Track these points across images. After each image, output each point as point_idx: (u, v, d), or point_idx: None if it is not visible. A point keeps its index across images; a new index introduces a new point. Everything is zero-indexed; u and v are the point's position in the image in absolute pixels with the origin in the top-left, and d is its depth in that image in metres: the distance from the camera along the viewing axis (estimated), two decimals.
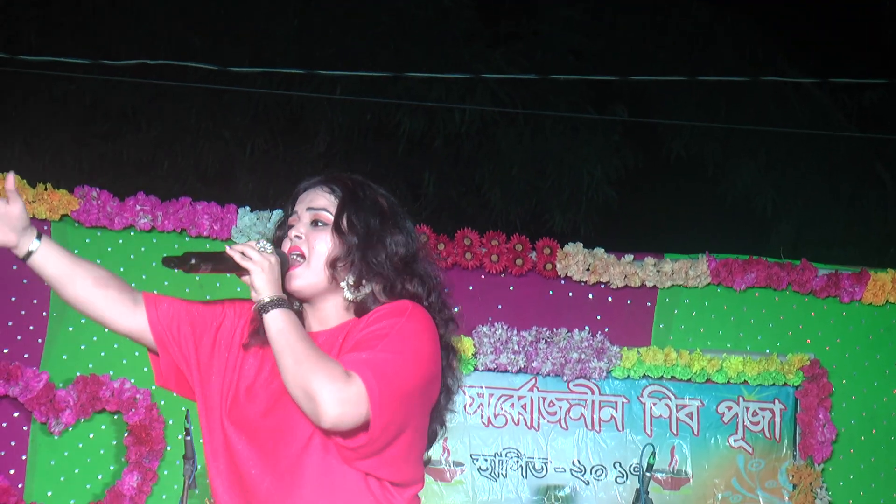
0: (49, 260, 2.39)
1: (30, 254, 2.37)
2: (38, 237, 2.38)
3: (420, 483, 2.41)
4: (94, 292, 2.46)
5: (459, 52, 9.84)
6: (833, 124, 10.50)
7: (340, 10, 9.75)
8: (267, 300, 2.25)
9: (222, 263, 2.32)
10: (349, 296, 2.37)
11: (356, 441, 2.21)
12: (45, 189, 5.49)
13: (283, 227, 2.45)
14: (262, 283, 2.26)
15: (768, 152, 10.54)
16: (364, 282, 2.36)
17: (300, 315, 2.39)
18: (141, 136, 9.81)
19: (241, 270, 2.29)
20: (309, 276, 2.36)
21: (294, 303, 2.37)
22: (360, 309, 2.36)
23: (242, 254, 2.28)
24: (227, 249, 2.31)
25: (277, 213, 5.72)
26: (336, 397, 2.14)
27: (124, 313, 2.49)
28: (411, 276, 2.39)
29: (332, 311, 2.39)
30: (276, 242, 2.43)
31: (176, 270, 2.31)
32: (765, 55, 10.43)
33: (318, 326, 2.40)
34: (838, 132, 10.32)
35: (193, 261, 2.30)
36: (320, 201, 2.41)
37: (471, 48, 9.94)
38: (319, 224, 2.39)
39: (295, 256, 2.37)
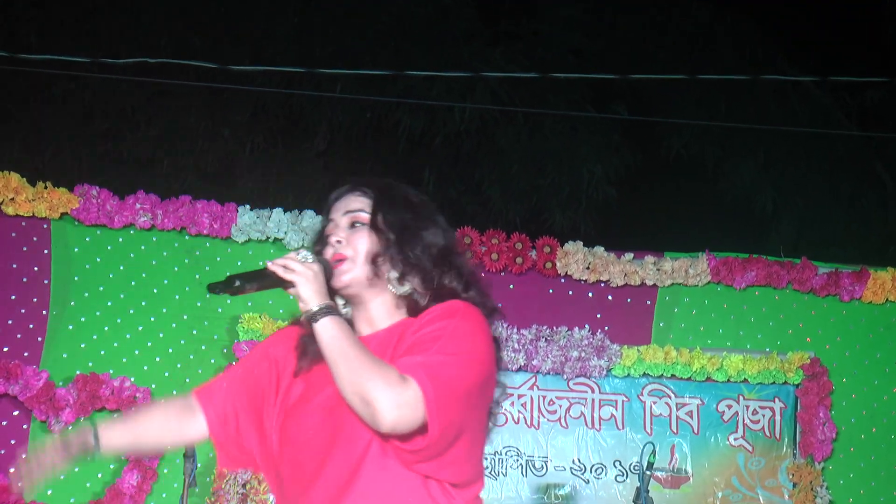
0: (112, 445, 2.50)
1: (95, 450, 2.47)
2: (95, 436, 2.49)
3: (480, 481, 2.39)
4: (160, 439, 2.54)
5: (459, 50, 9.84)
6: (833, 123, 10.50)
7: (340, 9, 9.75)
8: (315, 309, 2.27)
9: (266, 280, 2.33)
10: (395, 290, 2.38)
11: (415, 444, 2.21)
12: (45, 187, 5.48)
13: (321, 241, 2.46)
14: (309, 292, 2.28)
15: (768, 151, 10.54)
16: (406, 276, 2.38)
17: (350, 321, 2.41)
18: (141, 135, 9.80)
19: (285, 284, 2.30)
20: (354, 272, 2.38)
21: (343, 308, 2.40)
22: (411, 306, 2.39)
23: (285, 267, 2.30)
24: (269, 265, 2.32)
25: (277, 212, 5.72)
26: (393, 401, 2.15)
27: (193, 431, 2.51)
28: (448, 268, 2.40)
29: (380, 311, 2.41)
30: (318, 255, 2.43)
31: (220, 294, 2.31)
32: (765, 54, 10.43)
33: (369, 329, 2.41)
34: (838, 131, 10.32)
35: (238, 283, 2.31)
36: (355, 204, 2.44)
37: (471, 47, 9.94)
38: (357, 225, 2.41)
39: (340, 261, 2.39)
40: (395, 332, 2.36)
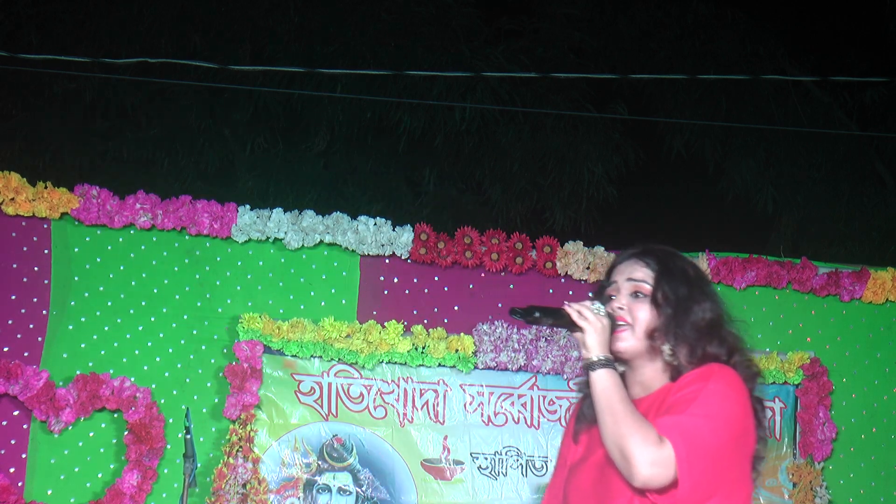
0: None
1: None
2: None
3: None
4: None
5: (460, 49, 9.85)
6: (833, 122, 10.51)
7: (340, 9, 9.75)
8: (595, 359, 2.50)
9: (560, 319, 2.55)
10: (669, 360, 2.57)
11: (668, 500, 2.42)
12: (45, 187, 5.48)
13: (602, 296, 2.66)
14: (594, 342, 2.50)
15: (768, 150, 10.55)
16: (675, 349, 2.57)
17: (623, 379, 2.60)
18: (141, 135, 9.82)
19: (574, 328, 2.52)
20: (632, 341, 2.59)
21: (618, 367, 2.59)
22: (674, 373, 2.58)
23: (579, 313, 2.52)
24: (566, 306, 2.54)
25: (277, 212, 5.72)
26: (648, 459, 2.37)
27: None
28: (712, 338, 2.59)
29: (651, 376, 2.62)
30: None
31: (519, 318, 2.53)
32: (765, 53, 10.43)
33: (641, 391, 2.61)
34: (838, 131, 10.32)
35: (537, 314, 2.54)
36: (638, 273, 2.64)
37: (471, 46, 9.94)
38: (639, 295, 2.61)
39: (620, 325, 2.60)
40: (660, 396, 2.56)
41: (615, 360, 2.57)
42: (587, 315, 2.51)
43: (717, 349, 2.58)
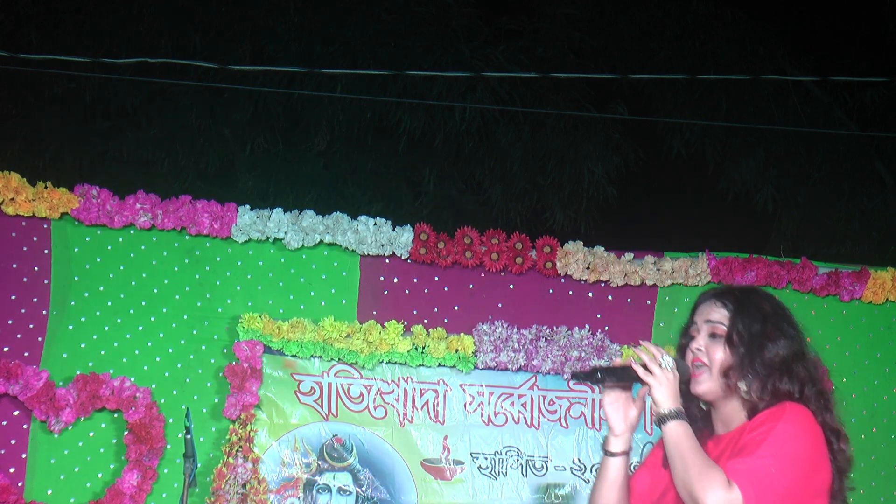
0: (619, 469, 2.83)
1: (615, 454, 2.83)
2: (629, 451, 2.84)
3: None
4: None
5: (460, 49, 9.85)
6: (833, 122, 10.51)
7: (341, 8, 9.75)
8: (665, 412, 2.62)
9: (626, 376, 2.67)
10: (745, 397, 2.67)
11: None
12: (45, 187, 5.48)
13: (686, 336, 2.83)
14: (663, 396, 2.63)
15: (768, 150, 10.55)
16: (749, 385, 2.67)
17: (708, 416, 2.77)
18: (141, 135, 9.82)
19: (642, 382, 2.66)
20: (710, 384, 2.72)
21: (702, 404, 2.76)
22: (750, 410, 2.70)
23: (646, 367, 2.65)
24: (632, 363, 2.67)
25: (277, 212, 5.72)
26: (717, 503, 2.47)
27: None
28: (783, 374, 2.67)
29: (732, 414, 2.74)
30: (681, 350, 2.82)
31: (573, 382, 2.60)
32: (765, 53, 10.43)
33: (723, 428, 2.75)
34: (838, 130, 10.32)
35: (600, 374, 2.67)
36: (715, 315, 2.77)
37: (471, 46, 9.95)
38: (716, 336, 2.74)
39: (698, 366, 2.74)
40: (737, 434, 2.65)
41: (701, 401, 2.70)
42: (653, 370, 2.63)
43: (789, 385, 2.66)
